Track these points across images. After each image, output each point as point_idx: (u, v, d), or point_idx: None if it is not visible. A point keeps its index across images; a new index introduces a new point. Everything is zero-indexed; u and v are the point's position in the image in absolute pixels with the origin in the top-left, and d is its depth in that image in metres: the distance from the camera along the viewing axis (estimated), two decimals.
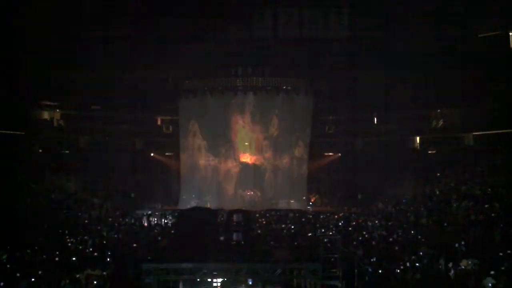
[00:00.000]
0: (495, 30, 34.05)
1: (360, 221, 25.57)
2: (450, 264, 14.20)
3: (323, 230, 22.00)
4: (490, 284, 11.63)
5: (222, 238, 17.55)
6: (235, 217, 18.50)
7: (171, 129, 40.68)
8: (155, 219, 26.70)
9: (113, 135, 38.64)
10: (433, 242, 18.57)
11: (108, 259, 15.77)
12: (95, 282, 12.93)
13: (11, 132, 34.16)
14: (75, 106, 38.50)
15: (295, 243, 17.92)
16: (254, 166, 36.74)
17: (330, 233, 20.86)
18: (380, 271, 14.03)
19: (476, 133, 35.91)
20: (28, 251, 16.20)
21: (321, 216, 27.66)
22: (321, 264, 12.33)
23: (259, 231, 21.62)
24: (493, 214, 22.78)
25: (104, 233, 21.63)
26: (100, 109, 38.68)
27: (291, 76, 36.84)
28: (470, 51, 33.77)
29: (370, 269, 14.15)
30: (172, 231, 21.91)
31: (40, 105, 38.02)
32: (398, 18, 36.13)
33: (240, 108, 36.59)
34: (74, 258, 15.68)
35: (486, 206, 24.14)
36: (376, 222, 24.88)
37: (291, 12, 38.32)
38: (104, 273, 13.59)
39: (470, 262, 13.98)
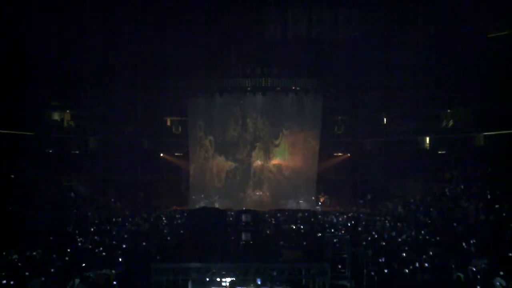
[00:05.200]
0: (505, 30, 33.86)
1: (369, 221, 25.48)
2: (460, 265, 14.13)
3: (332, 230, 21.95)
4: (499, 284, 11.56)
5: (231, 238, 17.59)
6: (244, 217, 18.55)
7: (180, 129, 40.82)
8: (164, 219, 26.73)
9: (123, 135, 38.77)
10: (442, 242, 18.50)
11: (118, 259, 15.84)
12: (104, 281, 12.99)
13: (22, 132, 34.40)
14: (85, 106, 38.68)
15: (304, 243, 17.89)
16: (263, 166, 36.81)
17: (339, 233, 20.81)
18: (389, 272, 13.98)
19: (486, 133, 35.70)
20: (39, 250, 16.31)
21: (330, 216, 27.62)
22: (330, 264, 12.32)
23: (268, 231, 21.62)
24: (503, 214, 22.66)
25: (114, 233, 21.71)
26: (109, 110, 38.82)
27: (300, 76, 36.85)
28: (480, 51, 33.62)
29: (379, 269, 14.10)
30: (181, 231, 21.98)
31: (50, 106, 38.26)
32: (408, 18, 36.07)
33: (249, 109, 36.67)
34: (84, 258, 15.75)
35: (497, 206, 24.03)
36: (386, 222, 24.81)
37: (300, 12, 38.33)
38: (113, 271, 13.65)
39: (480, 263, 13.90)
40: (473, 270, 13.39)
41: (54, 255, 15.81)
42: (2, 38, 31.87)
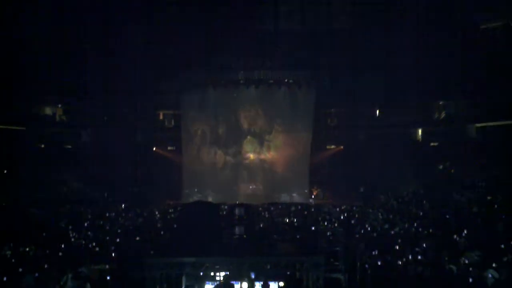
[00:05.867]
0: (498, 21, 33.93)
1: (362, 214, 25.54)
2: (453, 257, 14.19)
3: (325, 223, 22.00)
4: (491, 276, 11.60)
5: (224, 232, 17.57)
6: (237, 211, 18.54)
7: (173, 123, 40.75)
8: (158, 213, 26.69)
9: (115, 129, 38.66)
10: (435, 235, 18.57)
11: (111, 254, 15.81)
12: (98, 277, 12.97)
13: (13, 127, 34.24)
14: (77, 101, 38.54)
15: (298, 237, 17.91)
16: (256, 159, 36.83)
17: (332, 226, 20.88)
18: (382, 264, 14.03)
19: (478, 125, 35.83)
20: (32, 246, 16.26)
21: (324, 209, 27.66)
22: (323, 257, 12.33)
23: (261, 225, 21.62)
24: (495, 206, 22.78)
25: (107, 228, 21.67)
26: (102, 104, 38.72)
27: (293, 69, 36.85)
28: (472, 42, 33.71)
29: (372, 262, 14.15)
30: (175, 225, 21.96)
31: (42, 100, 38.08)
32: (400, 10, 36.11)
33: (242, 102, 36.63)
34: (77, 253, 15.71)
35: (489, 198, 24.15)
36: (379, 214, 24.86)
37: (294, 5, 38.33)
38: (107, 267, 13.63)
39: (472, 255, 13.96)
40: (465, 262, 13.45)
41: (48, 251, 15.76)
42: None
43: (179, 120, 39.12)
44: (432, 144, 37.83)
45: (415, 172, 33.59)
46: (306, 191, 36.58)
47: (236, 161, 36.87)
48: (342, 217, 24.28)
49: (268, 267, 12.13)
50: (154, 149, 39.77)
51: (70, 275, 12.11)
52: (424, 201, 27.06)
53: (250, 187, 36.24)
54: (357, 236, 18.47)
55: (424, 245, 16.19)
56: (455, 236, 17.67)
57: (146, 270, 11.94)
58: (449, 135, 36.64)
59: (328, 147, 40.18)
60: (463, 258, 13.74)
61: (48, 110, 38.74)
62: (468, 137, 36.19)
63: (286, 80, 36.31)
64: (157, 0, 37.07)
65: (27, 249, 16.02)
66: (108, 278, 12.99)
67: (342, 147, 39.51)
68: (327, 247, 14.45)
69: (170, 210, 27.63)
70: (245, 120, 36.89)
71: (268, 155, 36.93)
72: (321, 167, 38.13)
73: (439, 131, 37.80)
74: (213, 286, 11.93)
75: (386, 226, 21.14)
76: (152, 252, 15.11)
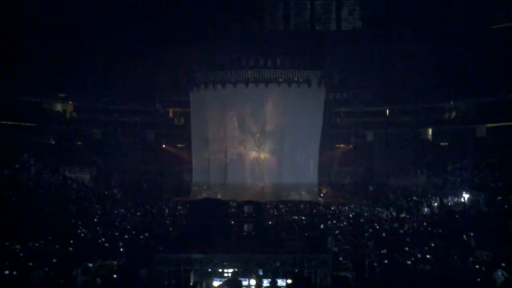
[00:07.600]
0: (509, 21, 33.72)
1: (371, 212, 25.49)
2: (462, 256, 14.13)
3: (334, 222, 21.95)
4: (500, 274, 11.53)
5: (233, 229, 17.59)
6: (246, 208, 18.52)
7: (182, 121, 40.84)
8: (167, 210, 26.77)
9: (126, 127, 38.81)
10: (444, 234, 18.49)
11: (120, 250, 15.85)
12: (106, 272, 13.02)
13: (25, 124, 34.46)
14: (87, 98, 38.74)
15: (306, 234, 17.89)
16: (266, 157, 36.76)
17: (341, 225, 20.83)
18: (390, 263, 13.99)
19: (488, 125, 35.65)
20: (41, 241, 16.33)
21: (332, 208, 27.63)
22: (331, 255, 12.33)
23: (270, 222, 21.62)
24: (505, 206, 22.65)
25: (116, 224, 21.75)
26: (112, 101, 38.90)
27: (303, 68, 36.73)
28: (483, 42, 33.53)
29: (380, 261, 14.11)
30: (184, 222, 22.00)
31: (53, 97, 38.31)
32: (411, 10, 35.97)
33: (252, 100, 36.57)
34: (86, 249, 15.76)
35: (499, 198, 24.01)
36: (388, 213, 24.81)
37: (303, 3, 38.25)
38: (116, 262, 13.68)
39: (482, 254, 13.89)
40: (474, 262, 13.39)
41: (57, 246, 15.83)
42: (5, 28, 31.89)
43: (189, 118, 39.14)
44: (442, 143, 37.65)
45: (425, 171, 33.46)
46: (315, 189, 36.47)
47: (245, 159, 36.83)
48: (350, 216, 24.24)
49: (277, 264, 12.15)
50: (163, 146, 39.85)
51: (79, 270, 12.18)
52: (433, 200, 26.96)
53: (259, 184, 36.21)
54: (365, 234, 18.42)
55: (433, 244, 16.12)
56: (464, 236, 17.58)
57: (155, 266, 12.00)
58: (459, 135, 36.46)
59: (337, 145, 40.05)
60: (472, 258, 13.67)
61: (58, 107, 38.97)
62: (478, 137, 36.03)
63: (296, 79, 36.22)
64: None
65: (37, 244, 16.10)
66: (117, 274, 13.04)
67: (351, 145, 39.38)
68: (335, 245, 14.41)
69: (179, 207, 27.69)
70: (254, 118, 36.84)
71: (277, 153, 36.83)
72: (330, 166, 38.04)
73: (449, 131, 37.62)
74: (221, 282, 11.96)
75: (395, 225, 21.10)
76: (160, 248, 15.15)
